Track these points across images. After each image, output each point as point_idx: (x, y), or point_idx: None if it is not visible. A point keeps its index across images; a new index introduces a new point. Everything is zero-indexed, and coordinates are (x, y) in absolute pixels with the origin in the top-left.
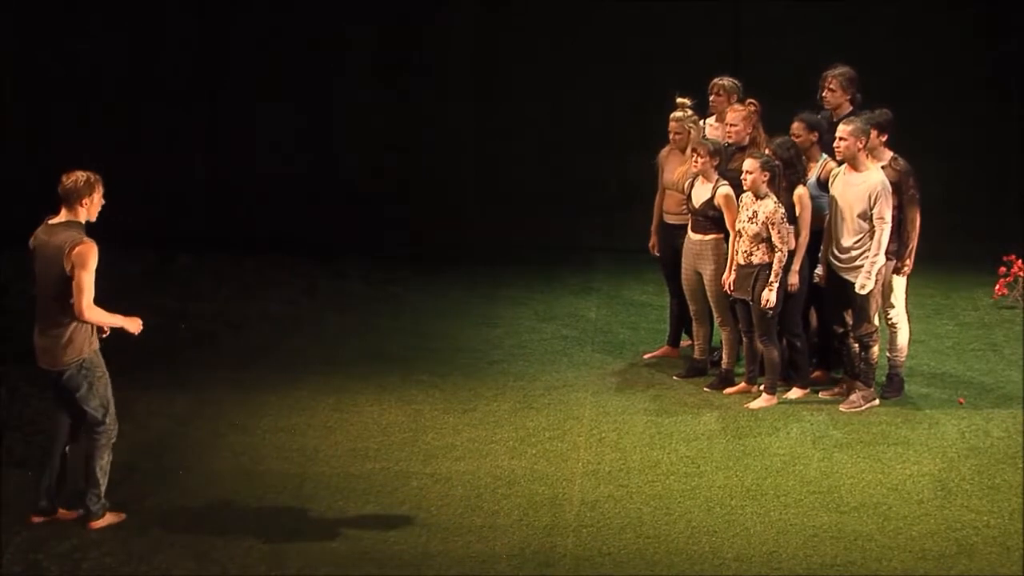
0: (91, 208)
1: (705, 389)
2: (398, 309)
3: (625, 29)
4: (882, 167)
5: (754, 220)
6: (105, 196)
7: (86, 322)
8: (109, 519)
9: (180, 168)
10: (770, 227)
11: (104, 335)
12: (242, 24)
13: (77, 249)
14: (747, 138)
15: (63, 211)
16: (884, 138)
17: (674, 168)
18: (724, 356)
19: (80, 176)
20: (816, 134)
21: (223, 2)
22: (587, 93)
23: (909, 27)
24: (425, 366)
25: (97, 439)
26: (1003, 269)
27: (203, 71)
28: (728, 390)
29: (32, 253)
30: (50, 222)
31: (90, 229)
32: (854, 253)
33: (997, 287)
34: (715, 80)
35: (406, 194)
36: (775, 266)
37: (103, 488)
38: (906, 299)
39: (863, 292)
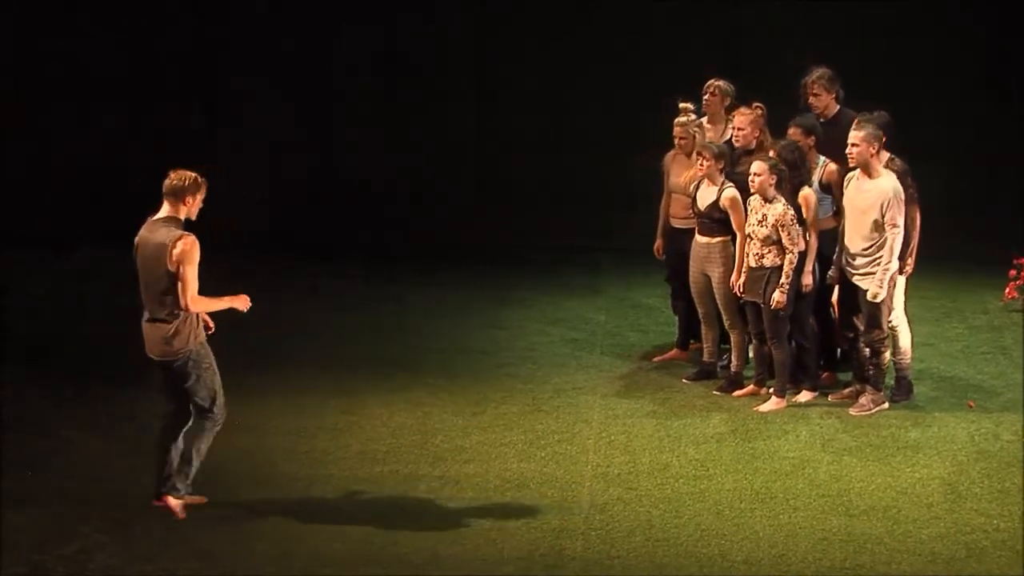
0: (192, 207)
1: (714, 392)
2: (405, 312)
3: (629, 30)
4: None
5: (764, 223)
6: (136, 196)
7: (193, 313)
8: (192, 500)
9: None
10: (780, 229)
11: (210, 331)
12: (242, 23)
13: (179, 246)
14: (754, 142)
15: (166, 206)
16: (883, 140)
17: (680, 172)
18: (733, 359)
19: (188, 175)
20: (813, 138)
21: (223, 2)
22: (596, 94)
23: (910, 27)
24: (433, 369)
25: (204, 423)
26: (1013, 272)
27: (203, 71)
28: (737, 393)
29: (136, 249)
30: (152, 219)
31: (93, 229)
32: (866, 260)
33: (1007, 290)
34: (710, 81)
35: (411, 196)
36: (786, 268)
37: (194, 472)
38: (905, 301)
39: (876, 300)
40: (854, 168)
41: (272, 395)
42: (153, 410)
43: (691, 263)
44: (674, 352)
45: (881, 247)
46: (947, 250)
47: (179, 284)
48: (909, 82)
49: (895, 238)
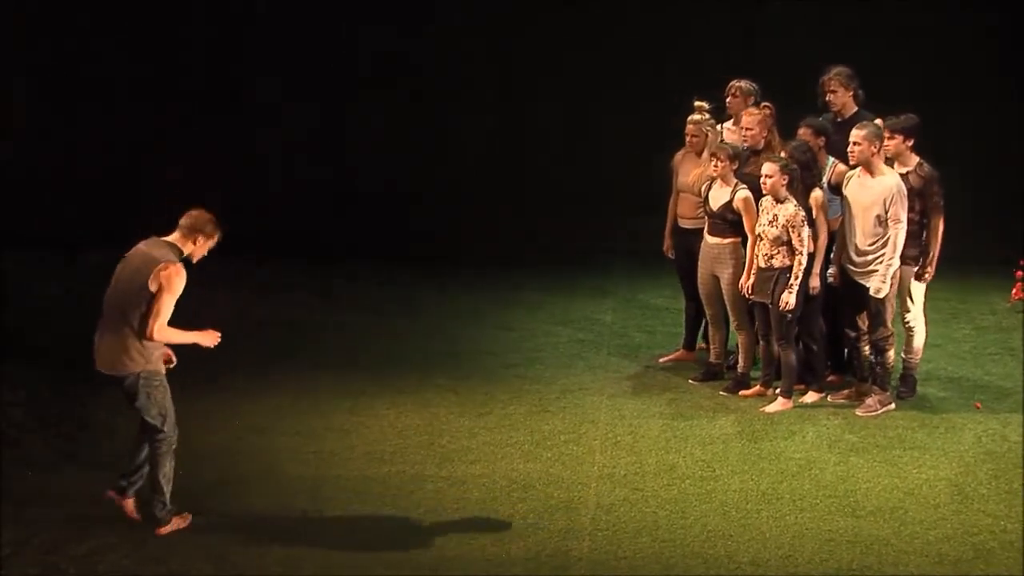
0: (199, 249)
1: (721, 393)
2: (413, 312)
3: (642, 34)
4: (907, 172)
5: (774, 224)
6: (125, 201)
7: (151, 341)
8: (176, 523)
9: (195, 171)
10: (790, 230)
11: (171, 366)
12: (259, 27)
13: (169, 269)
14: (762, 142)
15: (176, 235)
16: (910, 143)
17: (689, 171)
18: (740, 360)
19: (208, 217)
20: (823, 138)
21: (244, 6)
22: (602, 97)
23: (924, 29)
24: (441, 370)
25: (158, 447)
26: (1020, 273)
27: (220, 74)
28: (744, 393)
29: (125, 258)
30: (156, 238)
31: (101, 231)
32: (869, 257)
33: (1014, 291)
34: (732, 82)
35: (421, 197)
36: (795, 269)
37: (168, 494)
38: (925, 302)
39: (879, 296)
40: (855, 167)
41: (280, 396)
42: None
43: (700, 263)
44: (681, 353)
45: (884, 243)
46: (955, 251)
47: (150, 308)
48: (919, 82)
49: (898, 234)
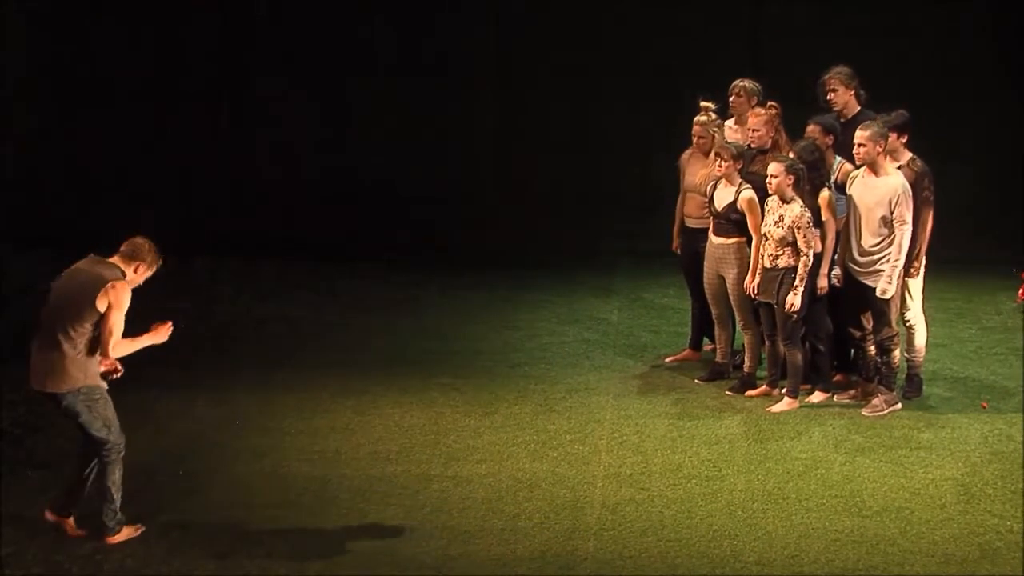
0: (137, 276)
1: (727, 392)
2: (418, 312)
3: (647, 33)
4: (899, 167)
5: (780, 224)
6: (129, 213)
7: (109, 358)
8: (127, 532)
9: (199, 170)
10: (796, 231)
11: (117, 375)
12: (262, 26)
13: (118, 287)
14: (769, 141)
15: (117, 258)
16: (904, 139)
17: (696, 171)
18: (746, 359)
19: (150, 246)
20: (831, 137)
21: (244, 5)
22: (607, 96)
23: (927, 27)
24: (446, 369)
25: (106, 456)
26: None
27: (223, 73)
28: (750, 393)
29: (62, 276)
30: (95, 257)
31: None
32: (874, 257)
33: (1020, 291)
34: (736, 82)
35: (428, 197)
36: (800, 270)
37: (118, 503)
38: (923, 299)
39: (884, 297)
40: (860, 167)
41: (285, 395)
42: (171, 410)
43: (706, 263)
44: (687, 352)
45: (889, 244)
46: (960, 251)
47: (104, 328)
48: (926, 83)
49: (903, 235)
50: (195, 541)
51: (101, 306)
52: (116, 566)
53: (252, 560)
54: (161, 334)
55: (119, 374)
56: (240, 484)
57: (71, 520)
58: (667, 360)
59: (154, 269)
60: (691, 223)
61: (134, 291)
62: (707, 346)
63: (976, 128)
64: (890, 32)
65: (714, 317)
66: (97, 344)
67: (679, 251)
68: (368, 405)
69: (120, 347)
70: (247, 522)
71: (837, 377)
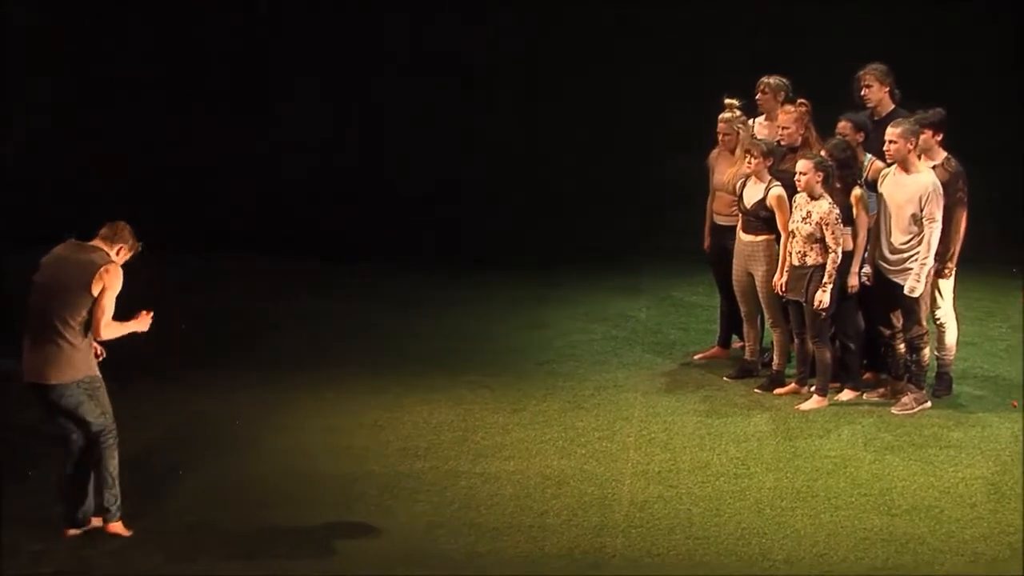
0: (120, 258)
1: (755, 390)
2: (446, 310)
3: (673, 32)
4: (934, 167)
5: (808, 221)
6: (137, 205)
7: (101, 340)
8: (121, 526)
9: (219, 169)
10: (824, 228)
11: (100, 358)
12: (282, 25)
13: (111, 269)
14: (799, 139)
15: (98, 241)
16: (939, 137)
17: (724, 170)
18: (775, 357)
19: (130, 229)
20: (862, 134)
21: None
22: (635, 94)
23: (954, 29)
24: (474, 367)
25: (104, 442)
26: None
27: (242, 73)
28: (778, 391)
29: (43, 267)
30: (73, 241)
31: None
32: (904, 255)
33: None
34: (762, 79)
35: (454, 195)
36: (828, 267)
37: (118, 488)
38: (954, 298)
39: (913, 295)
40: (891, 164)
41: (313, 393)
42: (196, 407)
43: (734, 261)
44: (715, 350)
45: (919, 242)
46: (989, 251)
47: (96, 308)
48: (957, 84)
49: (933, 233)
50: (221, 540)
51: (96, 290)
52: (143, 562)
53: (278, 558)
54: (144, 323)
55: (101, 357)
56: (267, 481)
57: (99, 519)
58: (696, 357)
59: (135, 252)
60: (720, 220)
61: (134, 288)
62: (736, 344)
63: (1004, 127)
64: (915, 32)
65: (743, 314)
66: (89, 329)
67: (708, 249)
68: (396, 402)
69: (110, 329)
70: (274, 519)
71: (867, 375)
